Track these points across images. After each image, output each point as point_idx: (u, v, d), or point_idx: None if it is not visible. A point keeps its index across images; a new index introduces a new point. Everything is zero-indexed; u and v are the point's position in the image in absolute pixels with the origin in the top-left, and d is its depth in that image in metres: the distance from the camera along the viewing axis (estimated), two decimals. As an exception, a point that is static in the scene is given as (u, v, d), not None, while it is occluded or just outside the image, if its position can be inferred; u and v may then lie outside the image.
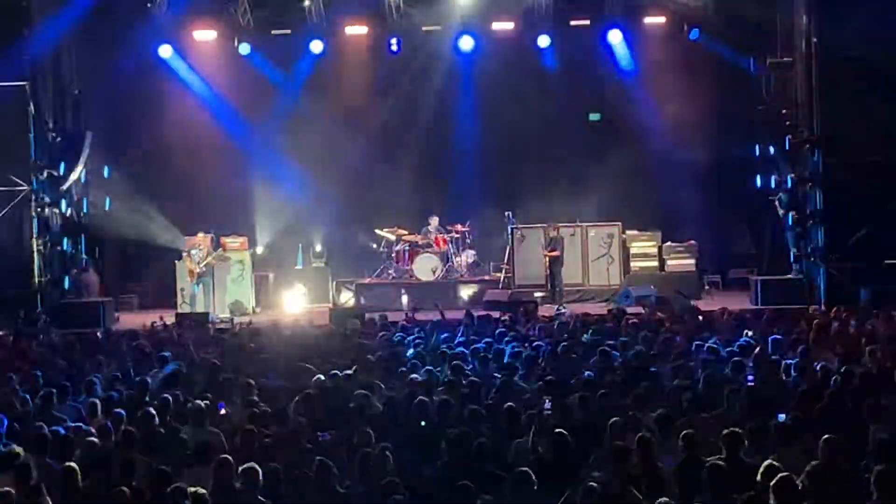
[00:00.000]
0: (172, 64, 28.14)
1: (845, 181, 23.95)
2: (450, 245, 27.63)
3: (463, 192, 28.33)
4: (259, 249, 28.46)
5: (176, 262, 26.44)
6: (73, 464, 10.31)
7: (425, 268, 27.15)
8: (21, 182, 24.47)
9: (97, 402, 13.45)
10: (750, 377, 13.48)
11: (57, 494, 9.95)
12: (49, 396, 13.39)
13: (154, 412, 12.36)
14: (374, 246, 28.41)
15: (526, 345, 16.73)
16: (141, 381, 14.42)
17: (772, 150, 26.49)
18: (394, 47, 28.15)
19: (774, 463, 9.35)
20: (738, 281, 28.16)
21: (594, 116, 29.13)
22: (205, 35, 28.08)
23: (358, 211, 28.65)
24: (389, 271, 27.73)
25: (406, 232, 27.73)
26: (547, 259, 26.02)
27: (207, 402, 12.88)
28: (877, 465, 9.26)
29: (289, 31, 28.35)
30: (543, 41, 28.05)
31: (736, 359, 14.52)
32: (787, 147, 25.69)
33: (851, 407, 11.86)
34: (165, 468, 10.22)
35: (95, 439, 11.46)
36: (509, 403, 12.31)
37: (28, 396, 13.87)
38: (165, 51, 27.95)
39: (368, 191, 28.38)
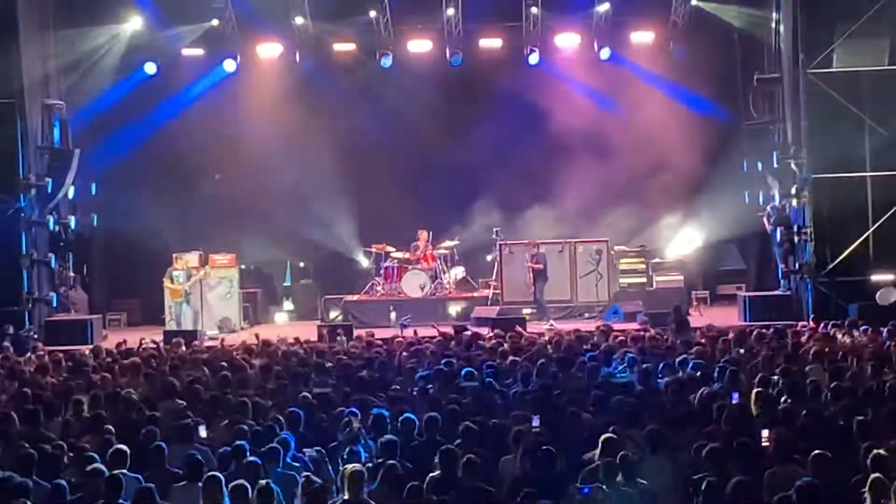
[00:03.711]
0: (158, 81, 28.13)
1: (833, 197, 24.00)
2: (438, 261, 27.62)
3: (451, 209, 28.37)
4: (247, 266, 28.39)
5: (164, 279, 26.39)
6: (61, 482, 10.27)
7: (413, 284, 27.12)
8: (9, 199, 24.42)
9: (85, 420, 13.39)
10: (735, 393, 13.47)
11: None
12: (36, 414, 13.32)
13: (143, 430, 12.31)
14: (363, 262, 28.44)
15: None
16: (129, 399, 14.36)
17: (759, 165, 26.53)
18: (383, 63, 28.21)
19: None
20: (726, 297, 28.23)
21: None
22: (190, 52, 28.11)
23: (346, 227, 28.61)
24: (378, 288, 27.71)
25: (394, 249, 27.73)
26: (531, 272, 25.95)
27: (197, 419, 12.84)
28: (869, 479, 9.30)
29: (279, 47, 28.40)
30: (532, 58, 28.17)
31: (724, 374, 14.53)
32: (774, 163, 25.73)
33: (841, 423, 11.85)
34: (153, 485, 10.18)
35: (83, 457, 11.41)
36: (496, 420, 12.29)
37: (15, 414, 13.79)
38: (151, 68, 27.95)
39: (356, 207, 28.35)
